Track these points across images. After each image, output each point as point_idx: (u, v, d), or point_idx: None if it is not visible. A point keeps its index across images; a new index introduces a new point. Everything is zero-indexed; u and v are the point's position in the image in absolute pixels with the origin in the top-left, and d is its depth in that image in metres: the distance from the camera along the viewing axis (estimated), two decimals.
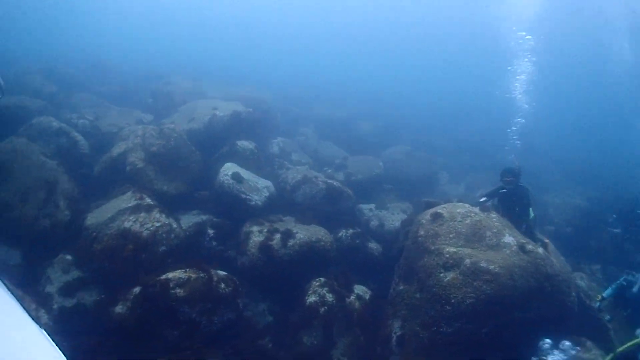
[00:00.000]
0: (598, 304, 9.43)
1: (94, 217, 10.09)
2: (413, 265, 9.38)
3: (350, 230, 12.02)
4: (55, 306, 8.87)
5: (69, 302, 9.01)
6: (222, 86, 20.75)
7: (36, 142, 12.19)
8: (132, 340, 8.21)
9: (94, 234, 9.59)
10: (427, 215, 9.98)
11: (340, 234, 11.81)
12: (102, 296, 9.09)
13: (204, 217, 11.21)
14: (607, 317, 9.65)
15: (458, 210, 9.90)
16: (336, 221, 12.30)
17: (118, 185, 11.27)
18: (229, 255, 10.63)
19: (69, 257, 9.78)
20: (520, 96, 15.89)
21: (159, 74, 22.04)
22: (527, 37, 17.49)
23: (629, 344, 7.54)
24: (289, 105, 23.22)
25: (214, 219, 11.18)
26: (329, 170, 15.87)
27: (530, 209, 10.42)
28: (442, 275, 8.57)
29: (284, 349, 9.41)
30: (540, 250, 9.32)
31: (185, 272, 8.29)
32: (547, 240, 10.17)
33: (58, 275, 9.46)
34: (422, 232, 9.56)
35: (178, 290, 8.05)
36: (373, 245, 12.05)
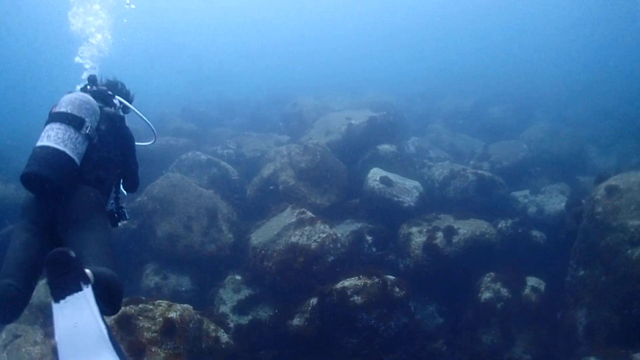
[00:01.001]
0: None
1: (258, 237, 10.62)
2: (593, 247, 8.62)
3: (510, 220, 11.39)
4: (231, 325, 9.26)
5: (244, 320, 9.42)
6: (345, 97, 21.12)
7: (189, 175, 13.14)
8: (311, 351, 8.38)
9: (263, 252, 10.06)
10: (600, 190, 9.11)
11: (500, 225, 11.23)
12: (276, 310, 9.38)
13: (359, 225, 11.31)
14: None
15: (633, 180, 8.96)
16: (492, 212, 11.75)
17: (274, 204, 11.80)
18: (389, 260, 10.58)
19: (238, 277, 10.31)
20: None
21: (284, 98, 23.03)
22: None
23: None
24: (413, 104, 22.97)
25: (369, 226, 11.23)
26: (472, 162, 15.30)
27: None
28: (629, 252, 7.79)
29: (460, 350, 9.11)
30: None
31: (360, 278, 8.37)
32: None
33: (230, 295, 9.96)
34: (599, 209, 8.74)
35: (356, 298, 8.14)
36: (536, 234, 11.28)
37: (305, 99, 19.95)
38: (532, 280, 9.47)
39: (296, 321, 8.54)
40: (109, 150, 4.16)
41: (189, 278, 10.87)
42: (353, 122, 14.66)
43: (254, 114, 23.38)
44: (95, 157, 3.97)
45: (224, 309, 9.65)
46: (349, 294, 8.16)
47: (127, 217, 4.75)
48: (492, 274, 9.46)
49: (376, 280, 8.32)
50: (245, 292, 9.97)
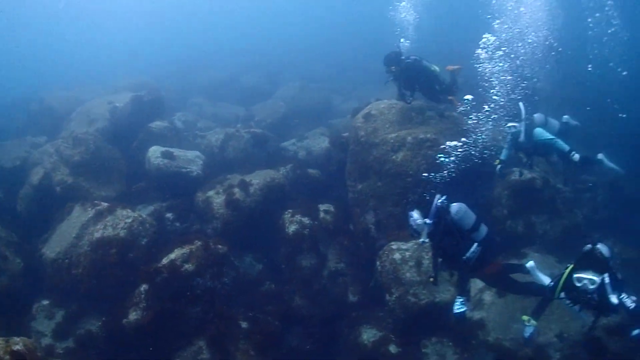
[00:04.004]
0: (499, 167, 9.23)
1: (54, 248, 9.73)
2: (364, 164, 10.42)
3: (288, 165, 12.61)
4: (61, 352, 8.56)
5: (71, 342, 8.77)
6: (97, 86, 19.63)
7: None
8: (158, 337, 8.20)
9: (67, 261, 9.31)
10: (359, 119, 10.96)
11: (281, 171, 12.28)
12: (104, 318, 8.87)
13: (152, 207, 11.19)
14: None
15: (382, 106, 11.04)
16: (271, 163, 12.81)
17: (57, 209, 10.79)
18: (196, 229, 10.77)
19: (45, 301, 9.41)
20: None
21: (26, 99, 20.42)
22: None
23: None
24: (169, 82, 22.85)
25: (163, 204, 11.22)
26: (239, 125, 16.19)
27: (434, 67, 10.16)
28: (394, 157, 9.82)
29: (286, 282, 10.03)
30: (455, 113, 10.61)
31: (182, 247, 8.52)
32: (450, 98, 10.34)
33: (45, 324, 9.09)
34: (362, 133, 10.57)
35: (187, 266, 8.31)
36: (312, 171, 12.74)
37: (53, 93, 18.15)
38: (323, 206, 10.92)
39: (132, 316, 8.23)
40: None
41: None
42: (117, 104, 14.07)
43: None
44: None
45: (45, 340, 8.76)
46: (178, 264, 8.28)
47: None
48: (290, 210, 10.59)
49: (199, 243, 8.61)
50: (61, 314, 9.16)
